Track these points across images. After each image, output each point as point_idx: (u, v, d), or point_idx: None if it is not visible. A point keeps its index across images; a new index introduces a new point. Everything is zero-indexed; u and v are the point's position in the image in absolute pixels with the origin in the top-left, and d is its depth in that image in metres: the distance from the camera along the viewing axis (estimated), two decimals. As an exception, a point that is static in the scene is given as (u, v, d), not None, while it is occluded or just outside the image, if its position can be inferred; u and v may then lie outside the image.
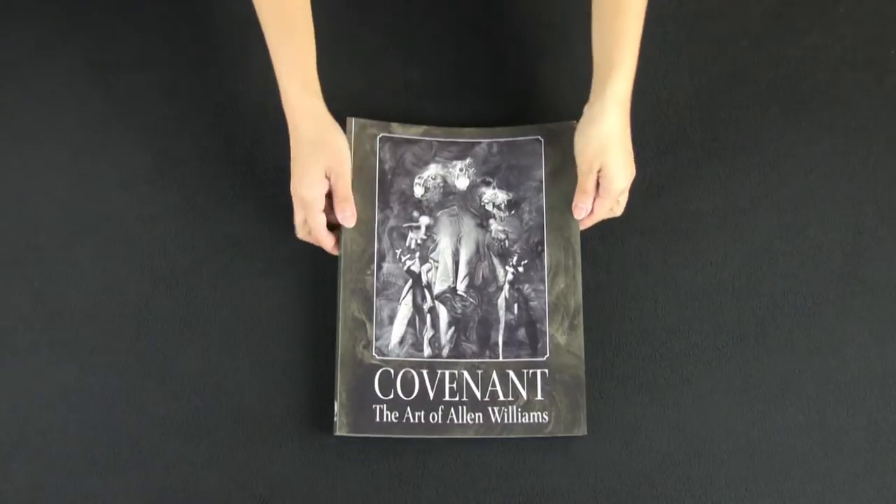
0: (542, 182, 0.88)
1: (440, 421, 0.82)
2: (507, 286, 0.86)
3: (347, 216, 0.85)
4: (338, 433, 0.81)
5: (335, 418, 0.82)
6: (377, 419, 0.82)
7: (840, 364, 0.88)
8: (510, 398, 0.83)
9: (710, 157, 0.92)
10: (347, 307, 0.84)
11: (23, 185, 0.90)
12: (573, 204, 0.86)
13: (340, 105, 0.87)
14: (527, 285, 0.86)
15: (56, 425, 0.85)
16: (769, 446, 0.86)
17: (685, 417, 0.87)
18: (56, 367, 0.86)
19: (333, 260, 0.87)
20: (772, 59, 0.94)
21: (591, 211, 0.86)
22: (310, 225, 0.84)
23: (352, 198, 0.85)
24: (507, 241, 0.87)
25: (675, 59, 0.94)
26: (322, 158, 0.83)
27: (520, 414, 0.83)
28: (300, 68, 0.83)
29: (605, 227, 0.89)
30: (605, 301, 0.88)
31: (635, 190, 0.87)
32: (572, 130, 0.85)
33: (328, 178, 0.83)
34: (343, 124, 0.86)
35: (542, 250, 0.86)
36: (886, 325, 0.89)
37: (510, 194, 0.88)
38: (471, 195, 0.88)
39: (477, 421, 0.82)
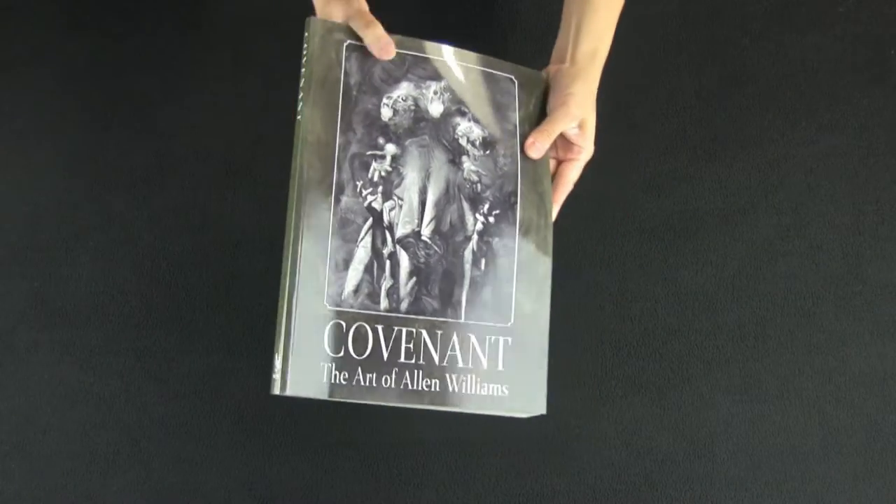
0: (516, 126, 0.78)
1: (393, 385, 0.72)
2: (475, 237, 0.76)
3: (382, 45, 0.74)
4: (276, 392, 0.69)
5: (274, 375, 0.69)
6: (324, 379, 0.70)
7: (840, 364, 0.88)
8: (469, 366, 0.74)
9: (710, 157, 0.92)
10: (297, 244, 0.71)
11: (23, 185, 0.90)
12: (530, 140, 0.77)
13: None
14: (497, 239, 0.76)
15: (56, 425, 0.85)
16: (769, 446, 0.86)
17: (685, 417, 0.87)
18: (56, 367, 0.86)
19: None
20: (772, 59, 0.94)
21: (562, 176, 0.80)
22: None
23: (377, 25, 0.74)
24: (479, 185, 0.77)
25: (675, 59, 0.94)
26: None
27: (478, 385, 0.74)
28: None
29: (605, 227, 0.89)
30: (605, 301, 0.88)
31: (636, 190, 0.87)
32: (544, 81, 0.80)
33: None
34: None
35: (515, 202, 0.77)
36: (886, 325, 0.89)
37: (486, 131, 0.77)
38: (444, 125, 0.77)
39: (433, 388, 0.73)
